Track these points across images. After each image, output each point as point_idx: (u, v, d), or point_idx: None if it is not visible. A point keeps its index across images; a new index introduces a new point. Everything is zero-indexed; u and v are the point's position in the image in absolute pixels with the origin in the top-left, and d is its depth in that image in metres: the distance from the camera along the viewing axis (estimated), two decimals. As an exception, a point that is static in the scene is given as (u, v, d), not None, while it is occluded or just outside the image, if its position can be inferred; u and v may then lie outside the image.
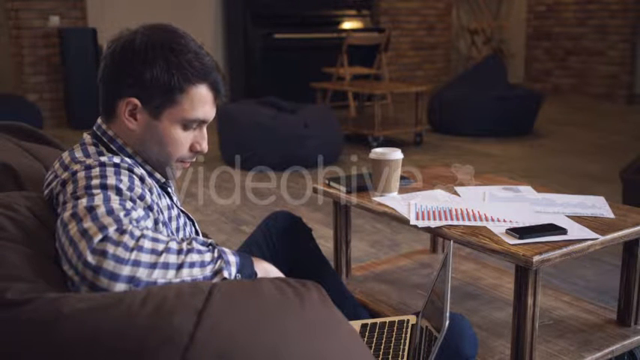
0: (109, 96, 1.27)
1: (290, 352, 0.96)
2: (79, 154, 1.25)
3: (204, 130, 1.31)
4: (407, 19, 8.13)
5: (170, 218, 1.31)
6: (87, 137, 1.29)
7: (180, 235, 1.35)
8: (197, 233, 1.43)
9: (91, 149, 1.26)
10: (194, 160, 1.34)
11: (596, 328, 1.79)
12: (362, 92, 5.80)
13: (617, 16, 7.53)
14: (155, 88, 1.22)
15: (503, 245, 1.53)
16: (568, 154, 4.99)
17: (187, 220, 1.39)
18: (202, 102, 1.26)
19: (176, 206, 1.37)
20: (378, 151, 1.94)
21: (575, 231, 1.61)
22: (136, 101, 1.24)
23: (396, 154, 1.92)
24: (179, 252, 1.07)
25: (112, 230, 1.04)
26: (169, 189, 1.37)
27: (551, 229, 1.59)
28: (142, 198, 1.17)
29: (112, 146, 1.27)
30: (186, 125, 1.27)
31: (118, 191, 1.13)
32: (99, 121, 1.31)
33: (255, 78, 6.73)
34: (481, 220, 1.69)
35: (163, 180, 1.33)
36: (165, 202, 1.31)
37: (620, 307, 1.82)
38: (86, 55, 5.82)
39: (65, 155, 1.26)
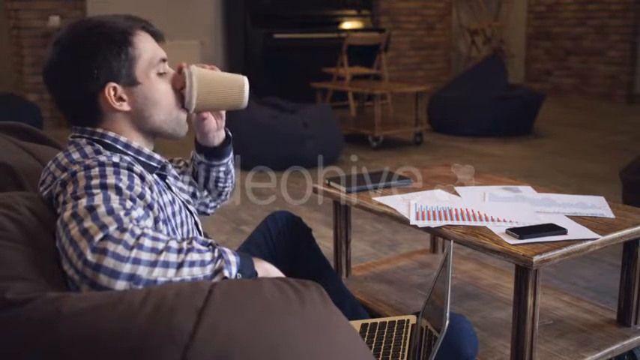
0: (84, 103, 1.27)
1: (290, 352, 0.96)
2: (76, 156, 1.25)
3: (172, 70, 1.35)
4: (407, 19, 8.13)
5: (174, 213, 1.32)
6: (79, 139, 1.29)
7: (185, 228, 1.36)
8: (196, 225, 1.44)
9: (88, 149, 1.26)
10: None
11: (596, 328, 1.79)
12: (362, 92, 5.80)
13: (617, 16, 7.52)
14: (113, 61, 1.24)
15: (503, 245, 1.53)
16: (568, 154, 4.99)
17: (188, 212, 1.40)
18: (149, 42, 1.31)
19: (177, 197, 1.37)
20: (189, 102, 1.34)
21: (575, 231, 1.61)
22: (112, 84, 1.25)
23: (190, 80, 1.32)
24: (179, 251, 1.08)
25: (112, 229, 1.04)
26: (168, 178, 1.37)
27: (551, 229, 1.59)
28: (141, 197, 1.17)
29: (106, 140, 1.28)
30: (158, 72, 1.30)
31: (118, 190, 1.13)
32: (79, 126, 1.30)
33: (255, 78, 6.69)
34: (481, 220, 1.69)
35: (164, 161, 1.34)
36: (166, 197, 1.31)
37: (620, 307, 1.82)
38: (86, 55, 5.81)
39: (61, 157, 1.26)
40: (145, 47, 1.29)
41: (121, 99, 1.27)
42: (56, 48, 1.27)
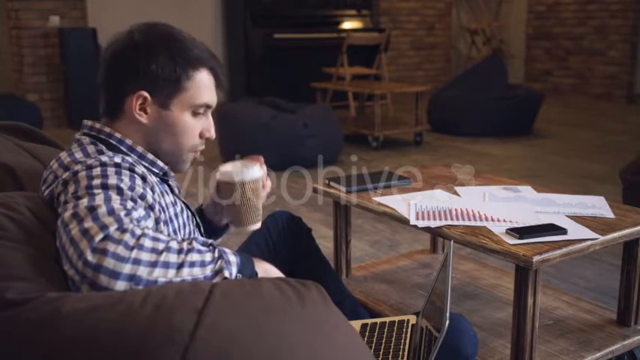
0: (115, 96, 1.28)
1: (290, 352, 0.96)
2: (78, 155, 1.25)
3: (210, 116, 1.35)
4: (407, 19, 8.13)
5: (176, 214, 1.32)
6: (83, 138, 1.29)
7: (187, 230, 1.36)
8: (198, 226, 1.44)
9: (90, 148, 1.26)
10: (203, 147, 1.37)
11: (596, 328, 1.79)
12: (362, 92, 5.80)
13: (617, 16, 7.53)
14: (162, 78, 1.25)
15: (503, 245, 1.53)
16: (568, 154, 4.99)
17: (189, 214, 1.40)
18: (206, 86, 1.30)
19: (179, 199, 1.37)
20: (226, 170, 1.37)
21: (575, 231, 1.61)
22: (145, 94, 1.26)
23: (252, 172, 1.38)
24: (179, 251, 1.08)
25: (112, 229, 1.04)
26: (170, 181, 1.37)
27: (551, 229, 1.59)
28: (142, 197, 1.17)
29: (111, 141, 1.28)
30: (195, 112, 1.30)
31: (119, 191, 1.13)
32: (89, 123, 1.31)
33: (255, 78, 6.73)
34: (481, 220, 1.69)
35: (166, 168, 1.34)
36: (168, 198, 1.31)
37: (620, 307, 1.82)
38: (86, 55, 5.82)
39: (64, 156, 1.26)
40: (199, 86, 1.29)
41: (144, 110, 1.27)
42: (129, 36, 1.27)
